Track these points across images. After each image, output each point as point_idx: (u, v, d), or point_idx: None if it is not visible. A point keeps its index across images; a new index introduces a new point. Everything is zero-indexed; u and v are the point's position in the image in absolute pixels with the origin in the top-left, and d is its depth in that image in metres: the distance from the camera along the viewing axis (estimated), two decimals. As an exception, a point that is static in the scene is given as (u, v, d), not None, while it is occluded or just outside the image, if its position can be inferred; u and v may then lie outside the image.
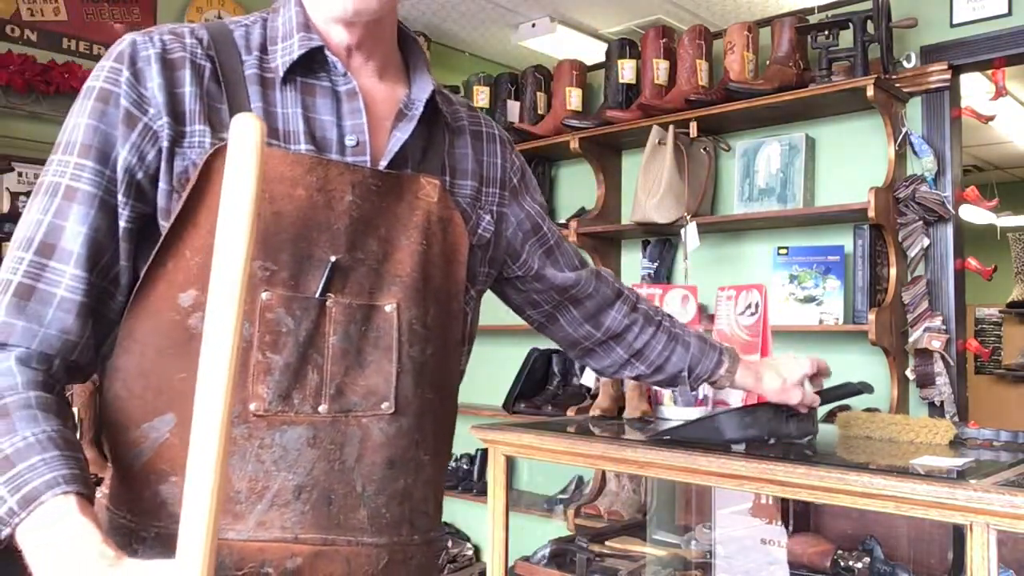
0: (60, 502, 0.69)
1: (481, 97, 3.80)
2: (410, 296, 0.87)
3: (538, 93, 3.64)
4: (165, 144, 0.81)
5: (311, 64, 0.88)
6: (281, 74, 0.87)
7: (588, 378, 3.40)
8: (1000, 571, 1.21)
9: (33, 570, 0.69)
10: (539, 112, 3.61)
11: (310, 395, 0.82)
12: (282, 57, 0.87)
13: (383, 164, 0.89)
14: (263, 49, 0.88)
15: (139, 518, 0.82)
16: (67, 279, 0.78)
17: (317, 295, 0.83)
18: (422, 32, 4.10)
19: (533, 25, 4.13)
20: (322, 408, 0.83)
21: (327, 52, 0.88)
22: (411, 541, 0.89)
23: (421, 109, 0.93)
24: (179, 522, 0.63)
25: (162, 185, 0.81)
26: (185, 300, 0.80)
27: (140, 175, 0.81)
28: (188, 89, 0.82)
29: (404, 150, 0.90)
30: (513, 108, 3.70)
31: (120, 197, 0.80)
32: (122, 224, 0.81)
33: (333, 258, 0.83)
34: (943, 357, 2.66)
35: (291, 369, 0.81)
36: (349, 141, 0.88)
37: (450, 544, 3.76)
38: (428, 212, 0.91)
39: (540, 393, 3.52)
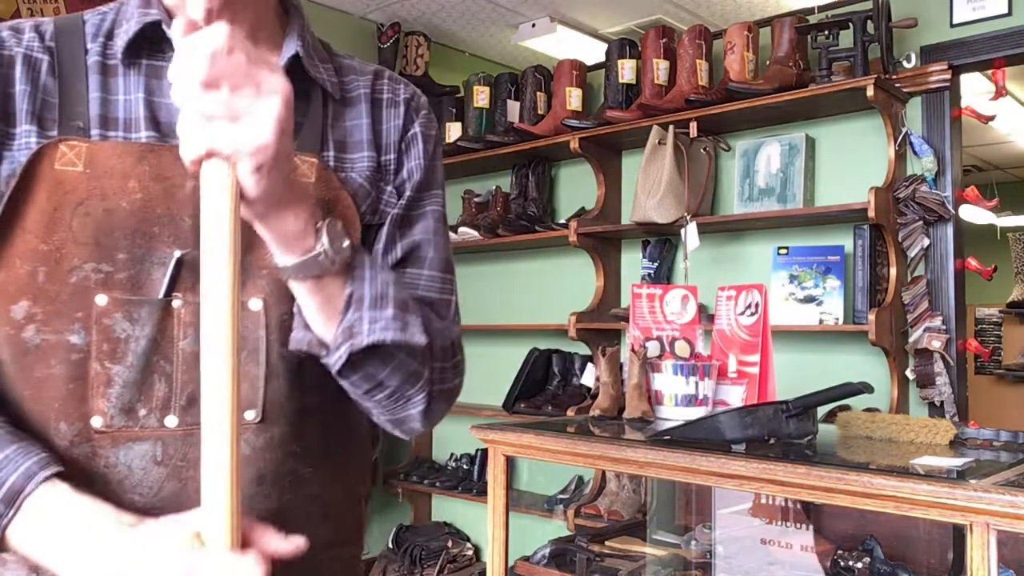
0: (47, 489, 0.67)
1: (481, 97, 3.80)
2: (280, 290, 0.78)
3: (538, 93, 3.64)
4: None
5: (159, 43, 0.81)
6: (120, 57, 0.80)
7: (588, 378, 3.40)
8: (1000, 571, 1.21)
9: (45, 560, 0.67)
10: (539, 112, 3.61)
11: (157, 407, 0.75)
12: (121, 39, 0.81)
13: None
14: (109, 35, 0.82)
15: None
16: None
17: (161, 295, 0.76)
18: (422, 32, 4.10)
19: (533, 25, 4.12)
20: (170, 421, 0.75)
21: (164, 27, 0.79)
22: (294, 562, 0.77)
23: None
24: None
25: None
26: (17, 312, 0.74)
27: None
28: (18, 88, 0.78)
29: None
30: (513, 108, 3.70)
31: None
32: None
33: (178, 253, 0.76)
34: (943, 357, 2.66)
35: (134, 379, 0.75)
36: None
37: (450, 544, 3.76)
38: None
39: (540, 393, 3.52)
